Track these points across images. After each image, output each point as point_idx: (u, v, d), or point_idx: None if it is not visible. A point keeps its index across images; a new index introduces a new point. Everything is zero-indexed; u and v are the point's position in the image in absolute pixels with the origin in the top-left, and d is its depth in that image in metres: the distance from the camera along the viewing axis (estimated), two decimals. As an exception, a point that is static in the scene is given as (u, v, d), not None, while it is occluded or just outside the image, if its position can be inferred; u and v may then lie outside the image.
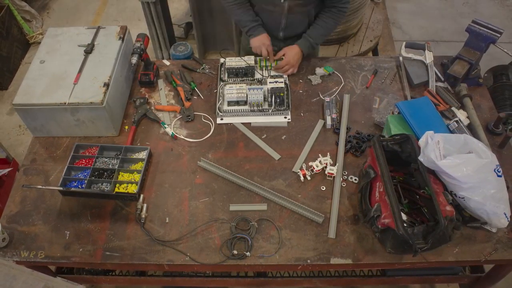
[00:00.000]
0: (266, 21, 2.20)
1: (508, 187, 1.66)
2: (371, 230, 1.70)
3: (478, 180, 1.55)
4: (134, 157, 1.94)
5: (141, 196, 1.82)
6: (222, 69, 2.28)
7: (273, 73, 2.25)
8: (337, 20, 2.17)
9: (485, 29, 2.07)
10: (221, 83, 2.22)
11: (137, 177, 1.85)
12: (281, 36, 2.23)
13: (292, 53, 2.18)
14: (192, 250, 1.69)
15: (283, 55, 2.20)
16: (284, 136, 2.04)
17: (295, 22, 2.18)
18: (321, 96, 2.18)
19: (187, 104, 2.14)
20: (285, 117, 2.09)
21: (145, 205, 1.80)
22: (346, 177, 1.89)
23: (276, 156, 1.95)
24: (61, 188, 1.80)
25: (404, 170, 1.77)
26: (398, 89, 2.21)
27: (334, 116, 2.06)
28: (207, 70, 2.31)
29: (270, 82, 2.13)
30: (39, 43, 2.29)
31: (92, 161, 1.90)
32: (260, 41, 2.17)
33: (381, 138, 1.74)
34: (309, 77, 2.25)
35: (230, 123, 2.09)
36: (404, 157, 1.72)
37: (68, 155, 1.93)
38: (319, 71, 2.24)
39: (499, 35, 2.05)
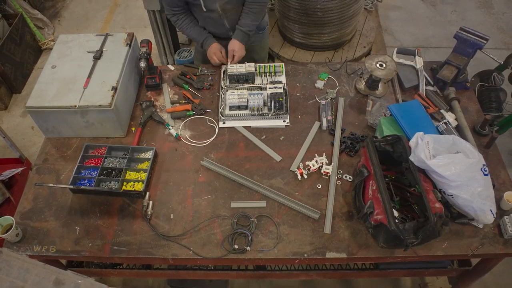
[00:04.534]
0: (213, 29, 2.31)
1: (494, 185, 1.67)
2: (364, 226, 1.70)
3: (466, 179, 1.55)
4: (141, 157, 1.94)
5: (147, 193, 1.82)
6: (224, 75, 2.28)
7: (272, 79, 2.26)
8: (260, 2, 2.20)
9: (472, 36, 2.07)
10: (223, 88, 2.22)
11: (143, 175, 1.85)
12: (232, 35, 2.28)
13: (235, 47, 2.24)
14: (195, 245, 1.69)
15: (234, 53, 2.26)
16: (282, 137, 2.04)
17: (237, 19, 2.24)
18: (317, 99, 2.18)
19: (196, 101, 2.18)
20: (284, 121, 2.09)
21: (151, 202, 1.80)
22: (341, 175, 1.89)
23: (277, 157, 1.95)
24: (71, 186, 1.80)
25: (395, 169, 1.77)
26: (390, 92, 2.22)
27: (329, 118, 2.07)
28: (206, 71, 2.33)
29: (269, 88, 2.13)
30: (51, 49, 2.28)
31: (101, 160, 1.90)
32: (211, 51, 2.27)
33: (374, 139, 1.74)
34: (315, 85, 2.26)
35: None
36: (396, 156, 1.72)
37: (78, 155, 1.93)
38: (319, 83, 2.25)
39: (485, 42, 2.05)
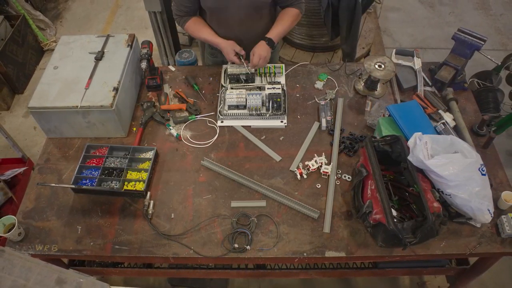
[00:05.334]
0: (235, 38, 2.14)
1: (491, 185, 1.67)
2: (363, 225, 1.70)
3: (464, 179, 1.55)
4: (142, 156, 1.94)
5: (148, 193, 1.82)
6: (225, 74, 2.28)
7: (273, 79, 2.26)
8: (296, 19, 2.11)
9: (470, 37, 2.07)
10: (223, 88, 2.22)
11: (144, 175, 1.85)
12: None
13: (260, 49, 2.06)
14: (196, 244, 1.69)
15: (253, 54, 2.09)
16: (282, 137, 2.04)
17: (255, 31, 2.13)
18: (317, 100, 2.18)
19: (190, 101, 2.17)
20: (282, 121, 2.09)
21: (152, 201, 1.80)
22: (340, 175, 1.89)
23: (277, 157, 1.95)
24: (73, 186, 1.81)
25: (394, 169, 1.77)
26: (388, 93, 2.22)
27: (328, 118, 2.07)
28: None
29: (268, 88, 2.13)
30: (53, 50, 2.28)
31: (102, 160, 1.91)
32: (230, 46, 2.07)
33: (373, 139, 1.74)
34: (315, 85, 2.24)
35: (231, 125, 2.09)
36: (394, 156, 1.72)
37: (79, 155, 1.93)
38: (318, 84, 2.25)
39: (483, 43, 2.05)
